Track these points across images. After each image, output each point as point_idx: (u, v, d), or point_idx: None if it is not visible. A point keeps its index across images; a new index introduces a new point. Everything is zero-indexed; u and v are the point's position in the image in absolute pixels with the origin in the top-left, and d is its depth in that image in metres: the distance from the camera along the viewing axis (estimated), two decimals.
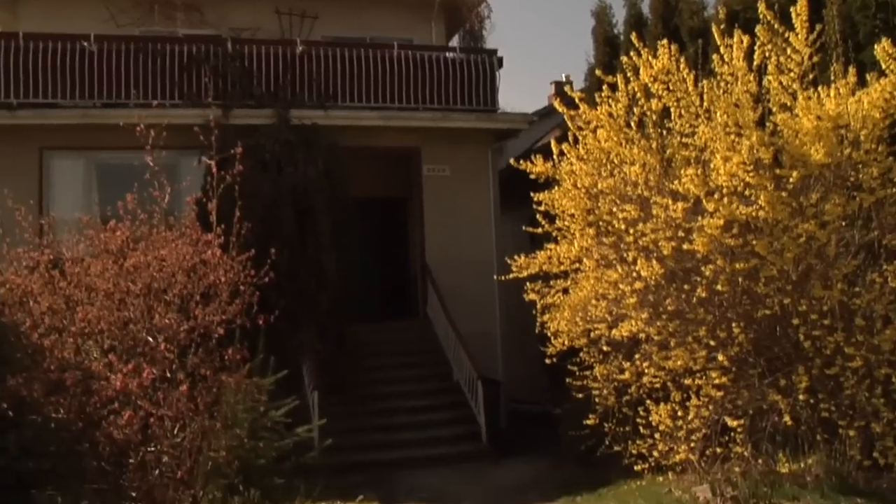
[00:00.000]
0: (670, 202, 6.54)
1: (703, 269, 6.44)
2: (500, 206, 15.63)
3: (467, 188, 15.28)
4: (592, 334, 8.53)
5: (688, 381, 7.34)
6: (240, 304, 7.42)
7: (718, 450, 7.34)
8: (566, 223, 8.30)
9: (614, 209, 7.03)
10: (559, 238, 8.59)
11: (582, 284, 8.90)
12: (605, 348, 8.84)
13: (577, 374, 9.46)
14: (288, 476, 7.90)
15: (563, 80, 18.91)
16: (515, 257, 9.46)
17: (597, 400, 9.37)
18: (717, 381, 6.95)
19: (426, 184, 15.13)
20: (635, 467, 8.14)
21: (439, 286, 14.08)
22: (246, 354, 6.83)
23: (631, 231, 6.79)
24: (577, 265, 8.42)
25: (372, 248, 16.60)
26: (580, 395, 9.41)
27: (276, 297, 12.80)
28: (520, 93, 52.56)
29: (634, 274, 7.08)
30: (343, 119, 14.24)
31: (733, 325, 7.01)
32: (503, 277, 9.33)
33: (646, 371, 7.80)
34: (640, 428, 8.35)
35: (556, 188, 8.64)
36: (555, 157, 8.57)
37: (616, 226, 7.01)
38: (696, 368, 7.40)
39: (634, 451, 8.43)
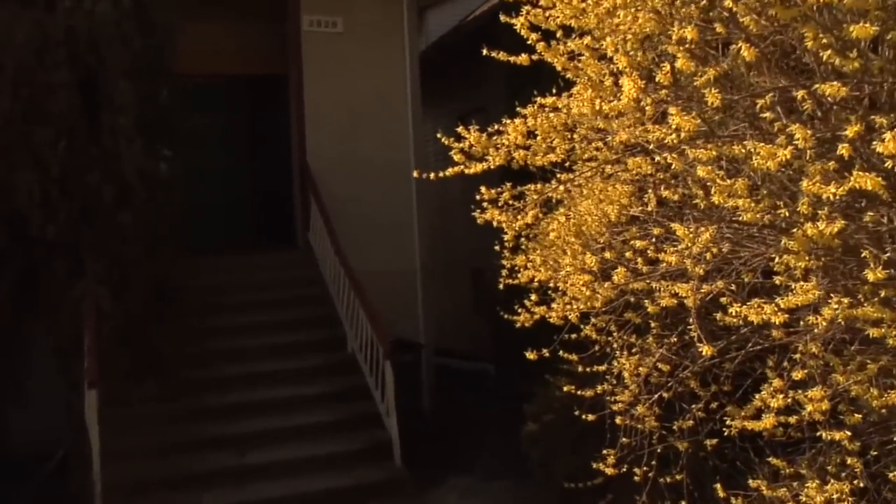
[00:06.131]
0: None
1: None
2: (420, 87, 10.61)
3: (371, 53, 10.15)
4: (653, 304, 3.74)
5: None
6: None
7: None
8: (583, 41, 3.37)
9: None
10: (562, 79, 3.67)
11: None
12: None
13: (565, 361, 4.80)
14: None
15: None
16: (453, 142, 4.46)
17: (618, 420, 4.73)
18: None
19: (307, 45, 9.91)
20: None
21: (324, 199, 9.04)
22: None
23: None
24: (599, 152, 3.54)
25: (238, 148, 11.54)
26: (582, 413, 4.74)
27: (43, 216, 7.74)
28: None
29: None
30: None
31: None
32: (433, 175, 4.37)
33: (806, 401, 3.04)
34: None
35: None
36: None
37: None
38: None
39: None
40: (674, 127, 2.75)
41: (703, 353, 3.04)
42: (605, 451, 4.66)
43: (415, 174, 4.61)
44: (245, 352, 7.92)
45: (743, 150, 2.54)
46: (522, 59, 3.64)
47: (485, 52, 3.89)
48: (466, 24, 12.99)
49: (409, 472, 6.99)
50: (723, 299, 3.20)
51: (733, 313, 2.90)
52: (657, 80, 2.83)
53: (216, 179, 10.99)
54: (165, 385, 7.34)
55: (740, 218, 2.72)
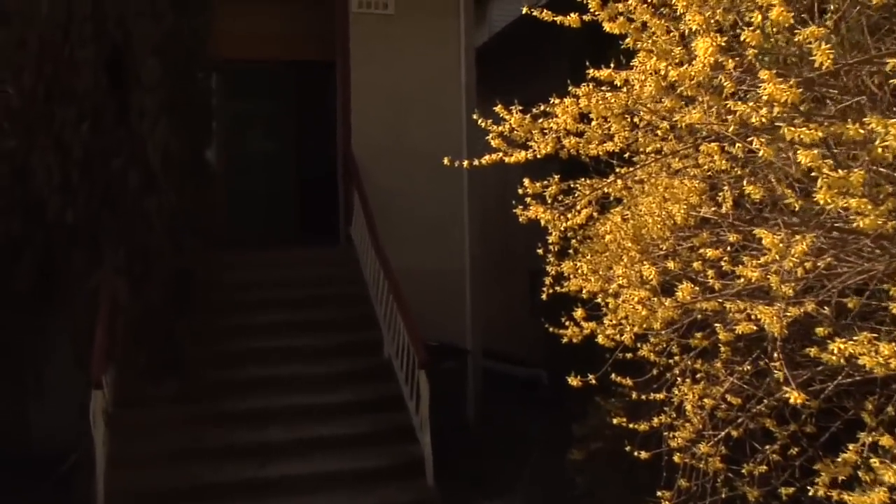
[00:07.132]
0: None
1: None
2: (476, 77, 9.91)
3: (424, 38, 9.53)
4: (725, 329, 3.04)
5: None
6: None
7: None
8: None
9: None
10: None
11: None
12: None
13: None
14: None
15: None
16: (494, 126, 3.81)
17: (677, 458, 4.02)
18: None
19: (356, 28, 9.33)
20: None
21: (368, 192, 8.43)
22: None
23: None
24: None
25: (281, 137, 11.02)
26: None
27: (60, 201, 7.28)
28: None
29: None
30: None
31: None
32: (478, 162, 3.71)
33: None
34: None
35: None
36: None
37: None
38: None
39: None
40: (765, 99, 2.06)
41: (791, 399, 2.32)
42: (659, 493, 3.96)
43: (445, 161, 3.96)
44: (272, 353, 7.36)
45: (861, 131, 1.83)
46: (572, 19, 2.96)
47: (524, 11, 3.24)
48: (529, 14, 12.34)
49: (442, 492, 6.34)
50: (819, 330, 2.48)
51: (834, 350, 2.19)
52: (742, 38, 2.13)
53: (257, 169, 10.51)
54: (184, 386, 6.84)
55: (852, 224, 2.01)
